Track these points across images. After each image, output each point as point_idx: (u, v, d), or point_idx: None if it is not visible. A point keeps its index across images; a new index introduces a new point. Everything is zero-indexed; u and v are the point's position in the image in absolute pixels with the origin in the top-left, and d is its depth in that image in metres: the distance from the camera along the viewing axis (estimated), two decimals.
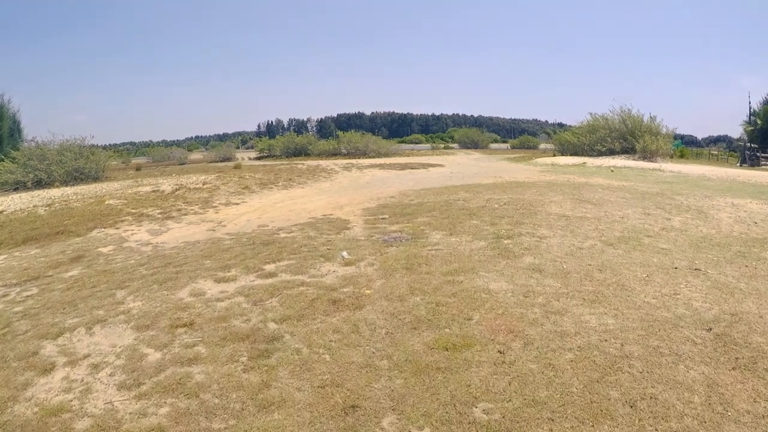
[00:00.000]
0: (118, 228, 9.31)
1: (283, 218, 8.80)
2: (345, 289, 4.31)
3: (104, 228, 9.37)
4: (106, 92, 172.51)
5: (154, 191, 14.04)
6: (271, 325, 3.70)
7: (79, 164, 20.98)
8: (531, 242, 5.87)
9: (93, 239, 8.47)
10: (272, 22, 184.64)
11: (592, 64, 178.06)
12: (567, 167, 19.38)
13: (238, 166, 22.43)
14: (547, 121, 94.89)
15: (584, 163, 20.44)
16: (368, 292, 4.18)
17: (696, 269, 5.26)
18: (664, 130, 23.99)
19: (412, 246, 5.84)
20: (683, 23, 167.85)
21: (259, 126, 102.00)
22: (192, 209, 10.68)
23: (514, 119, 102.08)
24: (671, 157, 24.95)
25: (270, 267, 5.24)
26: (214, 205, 11.14)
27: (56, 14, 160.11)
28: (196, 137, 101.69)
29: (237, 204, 11.18)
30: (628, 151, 23.26)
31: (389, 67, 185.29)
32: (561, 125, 75.89)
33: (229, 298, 4.39)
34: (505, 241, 5.91)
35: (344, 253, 5.43)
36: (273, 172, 17.21)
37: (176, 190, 14.04)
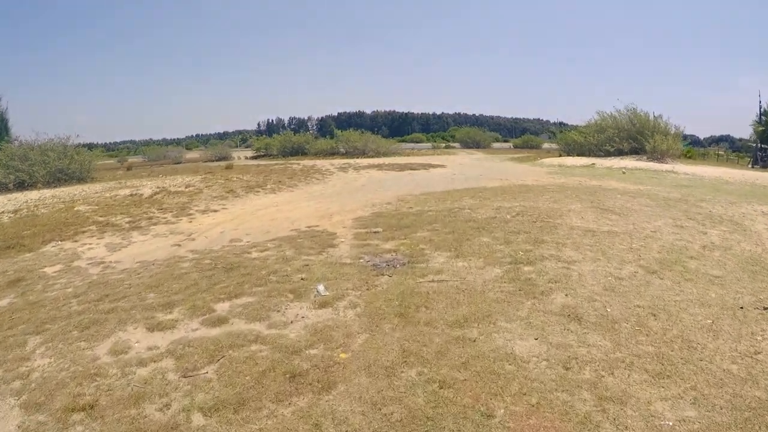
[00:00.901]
0: (76, 241, 8.11)
1: (262, 230, 7.58)
2: (312, 351, 3.07)
3: (62, 241, 8.16)
4: (108, 91, 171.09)
5: (131, 195, 12.83)
6: (196, 420, 2.47)
7: (62, 165, 19.78)
8: (558, 270, 4.63)
9: (44, 255, 7.26)
10: (273, 20, 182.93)
11: (591, 64, 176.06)
12: (575, 168, 18.11)
13: (230, 167, 21.22)
14: (548, 121, 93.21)
15: (593, 164, 19.16)
16: (344, 356, 2.96)
17: (765, 308, 4.10)
18: (672, 130, 22.66)
19: (409, 275, 4.60)
20: (682, 23, 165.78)
21: (259, 125, 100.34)
22: (164, 218, 9.45)
23: (516, 118, 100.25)
24: (679, 157, 23.63)
25: (223, 307, 4.02)
26: (191, 212, 9.91)
27: (57, 14, 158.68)
28: (197, 136, 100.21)
29: (215, 211, 9.95)
30: (637, 151, 21.95)
31: (390, 66, 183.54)
32: (562, 124, 74.52)
33: (154, 361, 3.16)
34: (526, 268, 4.67)
35: (320, 288, 4.20)
36: (263, 174, 15.97)
37: (155, 193, 12.82)
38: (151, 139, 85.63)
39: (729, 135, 58.82)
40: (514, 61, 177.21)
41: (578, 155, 23.10)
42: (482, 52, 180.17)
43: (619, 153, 21.89)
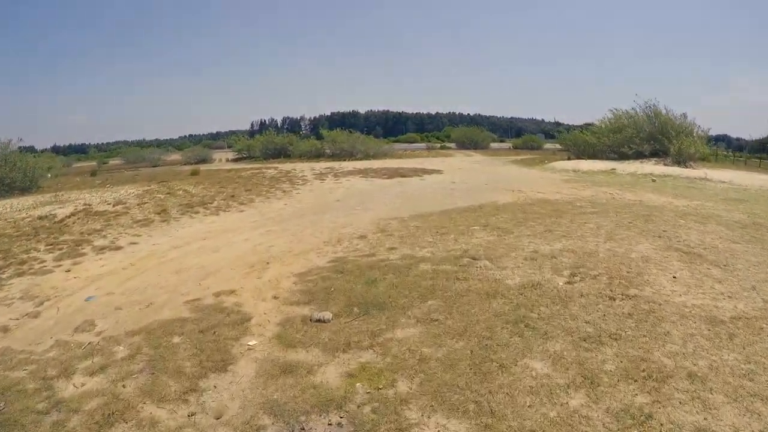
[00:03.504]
0: None
1: (145, 299, 4.42)
2: None
3: None
4: (105, 91, 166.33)
5: (41, 218, 9.60)
6: None
7: (2, 173, 16.50)
8: None
9: None
10: (267, 20, 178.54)
11: (585, 64, 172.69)
12: (595, 175, 15.01)
13: (195, 172, 18.04)
14: (543, 120, 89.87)
15: (613, 169, 16.06)
16: None
17: None
18: (696, 131, 19.55)
19: None
20: (677, 23, 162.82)
21: (252, 125, 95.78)
22: (42, 261, 6.30)
23: (512, 118, 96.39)
24: (699, 161, 20.55)
25: None
26: (84, 251, 6.74)
27: (51, 13, 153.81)
28: (190, 136, 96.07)
29: (118, 249, 6.78)
30: (657, 153, 18.84)
31: (386, 66, 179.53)
32: (558, 124, 71.51)
33: None
34: None
35: None
36: (221, 184, 12.74)
37: (72, 214, 9.62)
38: (144, 139, 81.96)
39: (726, 135, 55.47)
40: (510, 59, 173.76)
41: (589, 158, 20.00)
42: (476, 51, 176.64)
43: (637, 156, 18.78)
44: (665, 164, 17.71)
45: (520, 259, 4.62)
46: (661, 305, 3.59)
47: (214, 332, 3.42)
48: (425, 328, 3.19)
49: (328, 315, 3.49)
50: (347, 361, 2.84)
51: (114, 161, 40.99)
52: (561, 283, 3.89)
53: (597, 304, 3.48)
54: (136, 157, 35.93)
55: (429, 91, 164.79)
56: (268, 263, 5.22)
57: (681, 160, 17.83)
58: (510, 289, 3.77)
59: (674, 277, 4.33)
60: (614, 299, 3.58)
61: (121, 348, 3.43)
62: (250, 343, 3.21)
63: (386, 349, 2.94)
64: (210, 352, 3.12)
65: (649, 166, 16.65)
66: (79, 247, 6.95)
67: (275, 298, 4.09)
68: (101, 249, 6.78)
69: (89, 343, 3.62)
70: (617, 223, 6.72)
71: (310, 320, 3.46)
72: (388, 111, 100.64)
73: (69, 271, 5.88)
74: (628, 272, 4.31)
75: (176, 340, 3.38)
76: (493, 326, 3.10)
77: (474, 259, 4.68)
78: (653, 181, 13.50)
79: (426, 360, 2.76)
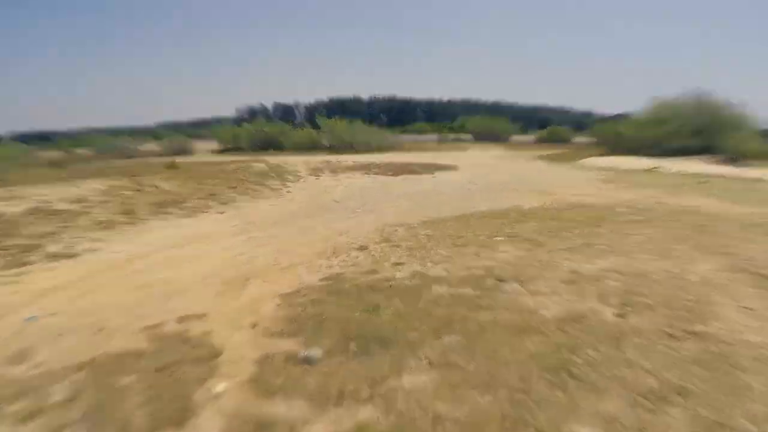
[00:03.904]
0: None
1: (95, 322, 4.11)
2: None
3: None
4: (72, 72, 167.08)
5: None
6: None
7: None
8: None
9: None
10: None
11: (626, 40, 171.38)
12: (634, 173, 14.63)
13: (173, 165, 17.76)
14: (571, 108, 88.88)
15: (656, 167, 15.67)
16: None
17: None
18: (752, 124, 19.08)
19: None
20: (683, 21, 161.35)
21: (239, 111, 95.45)
22: None
23: (535, 106, 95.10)
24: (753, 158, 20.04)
25: None
26: (31, 259, 6.45)
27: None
28: (171, 123, 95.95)
29: (72, 256, 6.50)
30: (706, 150, 18.41)
31: (391, 47, 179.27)
32: (589, 114, 70.83)
33: None
34: None
35: None
36: (201, 179, 12.46)
37: (27, 213, 9.35)
38: (116, 126, 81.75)
39: None
40: (534, 41, 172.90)
41: (628, 154, 19.59)
42: (493, 30, 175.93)
43: (684, 152, 18.35)
44: (717, 163, 17.30)
45: (556, 282, 4.27)
46: (734, 347, 3.22)
47: (173, 372, 3.10)
48: (440, 374, 2.84)
49: (317, 353, 3.16)
50: (339, 419, 2.50)
51: (82, 151, 40.84)
52: (610, 316, 3.53)
53: (656, 345, 3.12)
54: (107, 146, 35.80)
55: (440, 75, 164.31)
56: (247, 280, 4.90)
57: (735, 158, 17.40)
58: (547, 322, 3.42)
59: (746, 308, 3.97)
60: (677, 338, 3.22)
61: (59, 388, 3.12)
62: (217, 389, 2.88)
63: (390, 402, 2.61)
64: (167, 400, 2.80)
65: (698, 165, 16.23)
66: (28, 254, 6.67)
67: (253, 326, 3.76)
68: (53, 256, 6.49)
69: (21, 380, 3.31)
70: (668, 235, 6.35)
71: (293, 361, 3.12)
72: (394, 97, 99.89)
73: (12, 284, 5.59)
74: (688, 301, 3.95)
75: (126, 380, 3.06)
76: (527, 374, 2.75)
77: (500, 280, 4.33)
78: (704, 182, 13.09)
79: (441, 421, 2.42)
